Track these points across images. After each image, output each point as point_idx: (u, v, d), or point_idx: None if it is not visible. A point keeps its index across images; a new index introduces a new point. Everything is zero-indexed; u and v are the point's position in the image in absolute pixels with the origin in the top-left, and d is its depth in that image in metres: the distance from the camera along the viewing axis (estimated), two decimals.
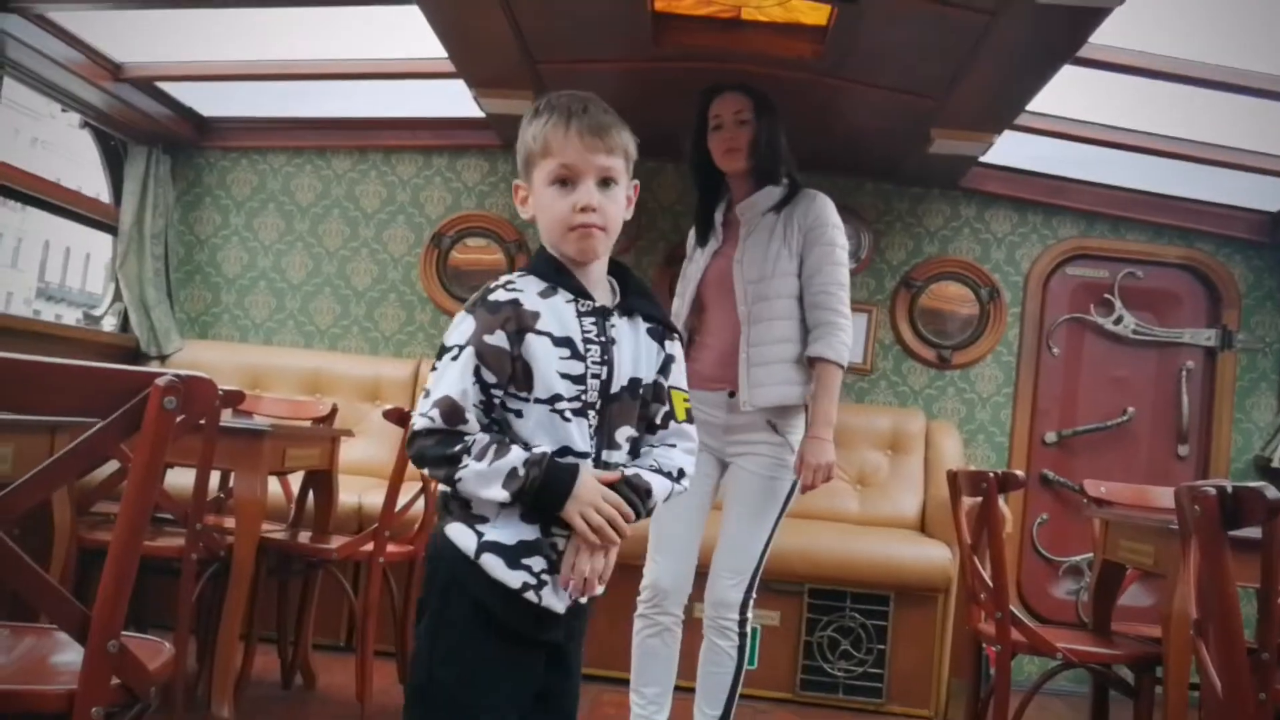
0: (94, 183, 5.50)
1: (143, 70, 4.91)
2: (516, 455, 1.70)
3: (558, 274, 1.80)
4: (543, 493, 1.70)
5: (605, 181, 1.80)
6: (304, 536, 3.88)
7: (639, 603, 3.17)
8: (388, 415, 3.60)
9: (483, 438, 1.71)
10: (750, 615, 3.11)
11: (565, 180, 1.79)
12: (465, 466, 1.69)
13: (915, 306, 5.45)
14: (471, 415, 1.71)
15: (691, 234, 3.39)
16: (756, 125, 3.17)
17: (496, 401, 1.73)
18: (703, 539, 3.22)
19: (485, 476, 1.69)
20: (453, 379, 1.72)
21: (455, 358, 1.73)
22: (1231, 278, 5.38)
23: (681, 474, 1.87)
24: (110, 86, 4.81)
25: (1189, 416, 5.32)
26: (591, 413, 1.77)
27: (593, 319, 1.79)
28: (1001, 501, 4.86)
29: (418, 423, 1.73)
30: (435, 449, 1.71)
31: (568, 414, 1.75)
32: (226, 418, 3.80)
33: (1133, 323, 5.38)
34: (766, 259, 3.13)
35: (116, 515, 1.62)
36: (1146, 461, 5.33)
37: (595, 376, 1.76)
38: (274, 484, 4.26)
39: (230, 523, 3.59)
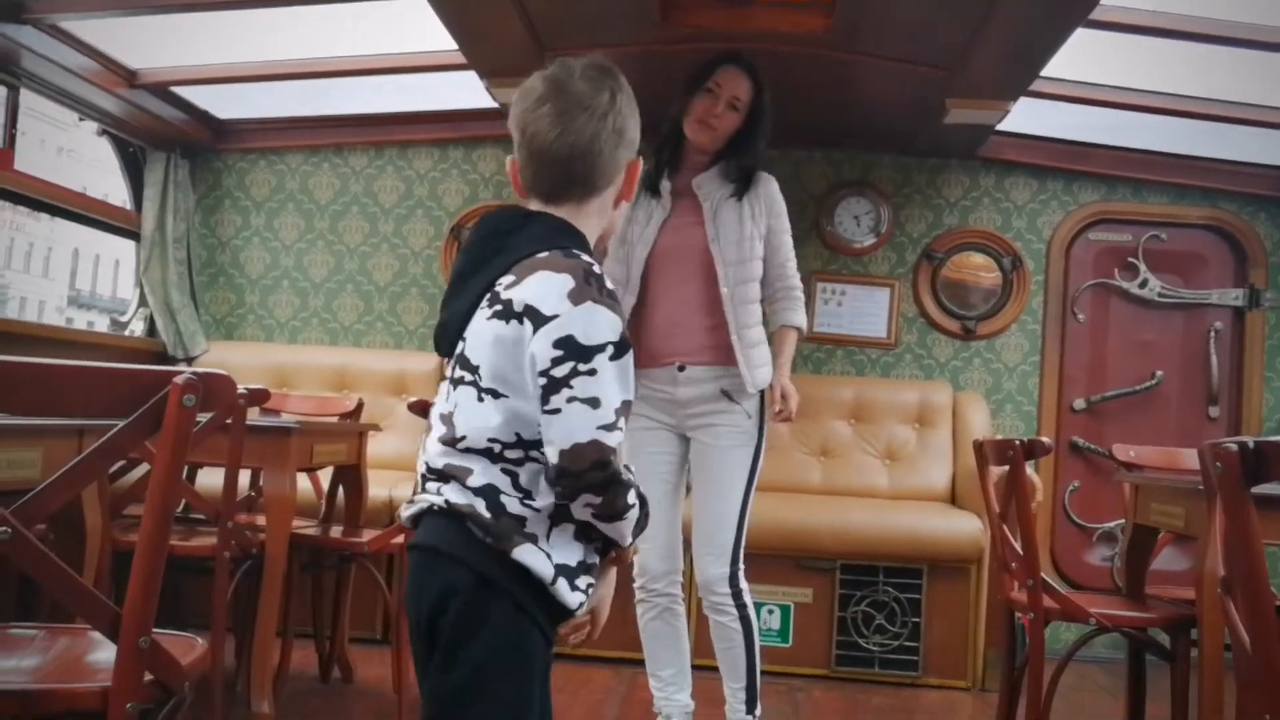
0: (121, 190, 5.54)
1: (157, 75, 4.94)
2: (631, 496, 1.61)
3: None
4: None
5: None
6: (336, 531, 3.91)
7: (635, 589, 3.17)
8: (412, 407, 3.61)
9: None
10: (744, 586, 3.11)
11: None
12: (633, 506, 1.60)
13: (938, 278, 5.42)
14: None
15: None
16: (747, 117, 3.15)
17: None
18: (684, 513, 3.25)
19: (632, 521, 1.62)
20: (620, 384, 1.56)
21: (614, 357, 1.56)
22: (1257, 236, 5.33)
23: None
24: (126, 93, 4.84)
25: (1219, 377, 5.28)
26: None
27: None
28: (1031, 470, 4.84)
29: (614, 439, 1.54)
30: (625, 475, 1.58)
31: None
32: (254, 416, 3.83)
33: (1158, 285, 5.34)
34: (743, 242, 3.16)
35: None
36: (1177, 425, 5.29)
37: None
38: (304, 481, 4.29)
39: (262, 520, 3.63)
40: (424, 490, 1.65)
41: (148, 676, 1.63)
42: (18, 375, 1.54)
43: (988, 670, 4.48)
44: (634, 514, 1.60)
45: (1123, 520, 4.48)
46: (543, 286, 1.57)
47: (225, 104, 5.48)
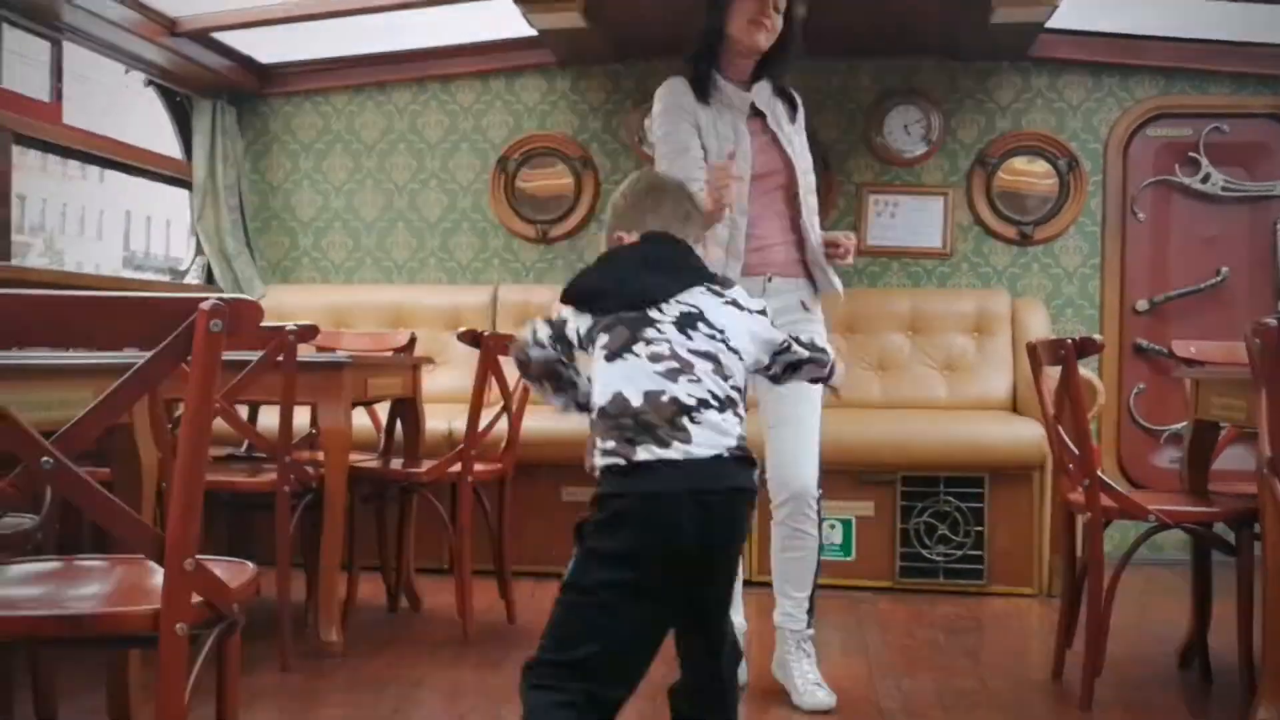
0: (170, 148, 5.58)
1: (197, 22, 4.96)
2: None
3: None
4: None
5: None
6: (395, 464, 3.96)
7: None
8: (462, 337, 3.65)
9: None
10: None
11: None
12: None
13: (992, 185, 5.32)
14: None
15: (676, 90, 3.11)
16: (791, 10, 3.07)
17: None
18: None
19: None
20: None
21: None
22: None
23: None
24: (168, 42, 4.88)
25: None
26: None
27: None
28: (1093, 373, 4.77)
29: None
30: None
31: None
32: (311, 354, 3.89)
33: (1221, 179, 5.19)
34: (803, 156, 3.20)
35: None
36: (1244, 321, 5.13)
37: None
38: (364, 416, 4.35)
39: (323, 456, 3.68)
40: (684, 431, 1.94)
41: (196, 598, 1.67)
42: (46, 309, 1.57)
43: (1054, 576, 4.45)
44: None
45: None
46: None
47: (267, 48, 5.49)
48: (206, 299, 1.58)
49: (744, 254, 3.10)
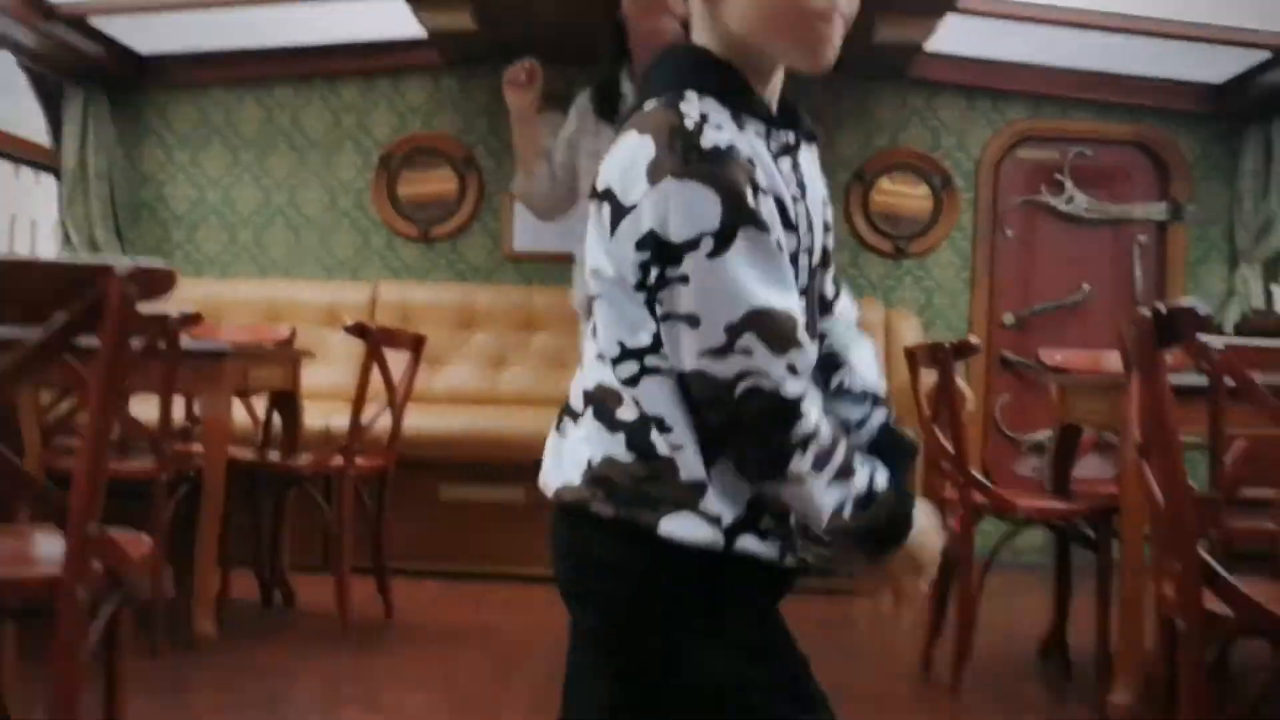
0: (38, 136, 5.40)
1: (74, 8, 4.82)
2: (862, 478, 1.17)
3: (743, 93, 1.21)
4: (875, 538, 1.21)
5: None
6: (274, 456, 3.90)
7: None
8: (350, 329, 3.61)
9: (825, 429, 1.15)
10: None
11: None
12: (807, 475, 1.14)
13: (868, 199, 5.49)
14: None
15: (585, 103, 3.12)
16: None
17: None
18: None
19: (825, 490, 1.16)
20: (737, 285, 1.11)
21: (715, 253, 1.11)
22: (1179, 151, 5.44)
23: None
24: (42, 25, 4.73)
25: (1142, 289, 5.42)
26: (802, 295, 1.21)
27: (788, 159, 1.24)
28: (962, 382, 4.93)
29: (728, 367, 1.11)
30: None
31: None
32: (188, 343, 3.80)
33: (1084, 201, 5.45)
34: None
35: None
36: (1103, 336, 5.41)
37: (808, 251, 1.24)
38: (241, 410, 4.27)
39: (200, 448, 3.61)
40: None
41: (97, 565, 1.64)
42: None
43: None
44: (816, 483, 1.14)
45: (1050, 431, 4.60)
46: (623, 158, 1.16)
47: (145, 37, 5.35)
48: (121, 264, 1.56)
49: None
